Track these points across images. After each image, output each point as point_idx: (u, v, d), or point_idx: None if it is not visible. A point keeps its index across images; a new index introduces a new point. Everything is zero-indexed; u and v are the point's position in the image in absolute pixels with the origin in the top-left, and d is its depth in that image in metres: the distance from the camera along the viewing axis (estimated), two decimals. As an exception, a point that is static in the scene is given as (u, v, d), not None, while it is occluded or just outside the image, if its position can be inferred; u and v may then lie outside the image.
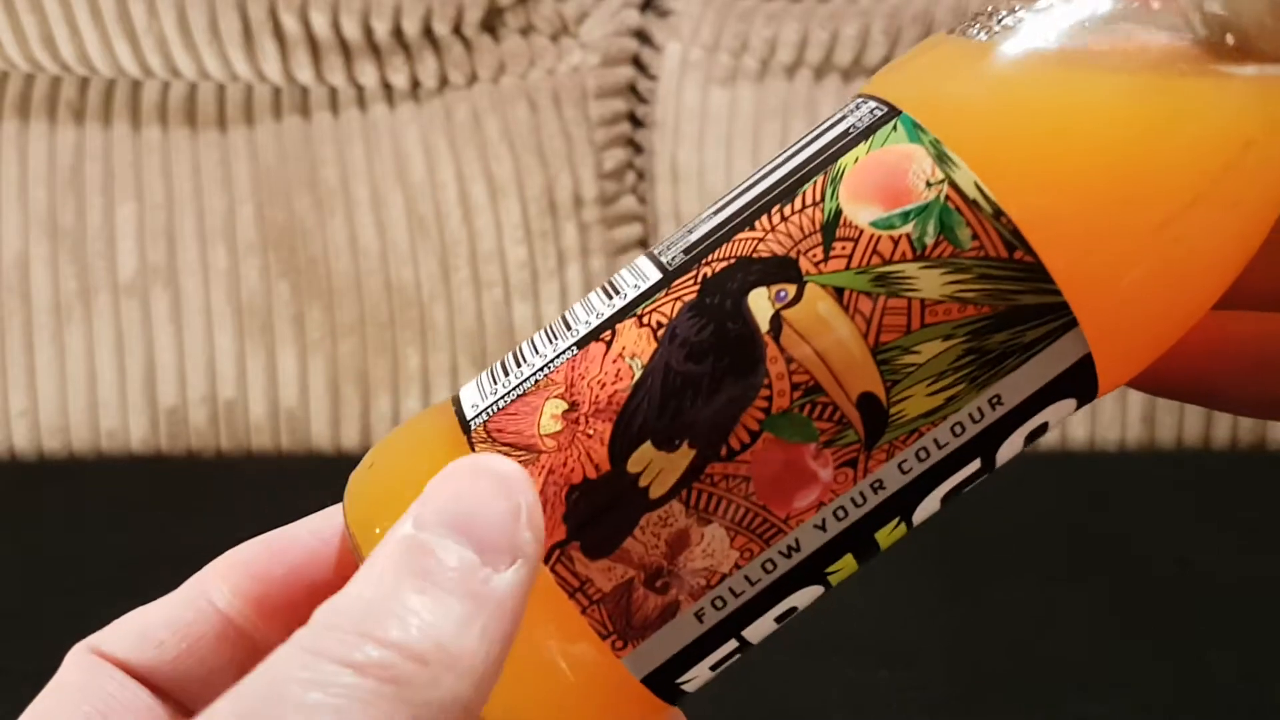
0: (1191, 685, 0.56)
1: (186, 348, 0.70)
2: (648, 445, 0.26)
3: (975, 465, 0.27)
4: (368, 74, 0.68)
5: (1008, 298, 0.26)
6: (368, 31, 0.67)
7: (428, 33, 0.67)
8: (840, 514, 0.27)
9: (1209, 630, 0.58)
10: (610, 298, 0.28)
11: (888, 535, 0.28)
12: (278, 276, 0.69)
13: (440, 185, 0.68)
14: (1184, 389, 0.31)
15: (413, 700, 0.24)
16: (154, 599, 0.30)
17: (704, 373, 0.27)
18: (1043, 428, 0.27)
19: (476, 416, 0.28)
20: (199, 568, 0.30)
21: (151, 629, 0.29)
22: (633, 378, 0.27)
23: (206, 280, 0.70)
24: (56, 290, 0.70)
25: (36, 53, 0.68)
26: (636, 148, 0.69)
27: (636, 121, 0.69)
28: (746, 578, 0.27)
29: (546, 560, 0.27)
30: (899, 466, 0.27)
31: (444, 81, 0.69)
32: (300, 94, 0.70)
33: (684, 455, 0.26)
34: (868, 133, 0.27)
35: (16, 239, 0.70)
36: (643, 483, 0.27)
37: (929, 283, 0.26)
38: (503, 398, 0.28)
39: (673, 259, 0.28)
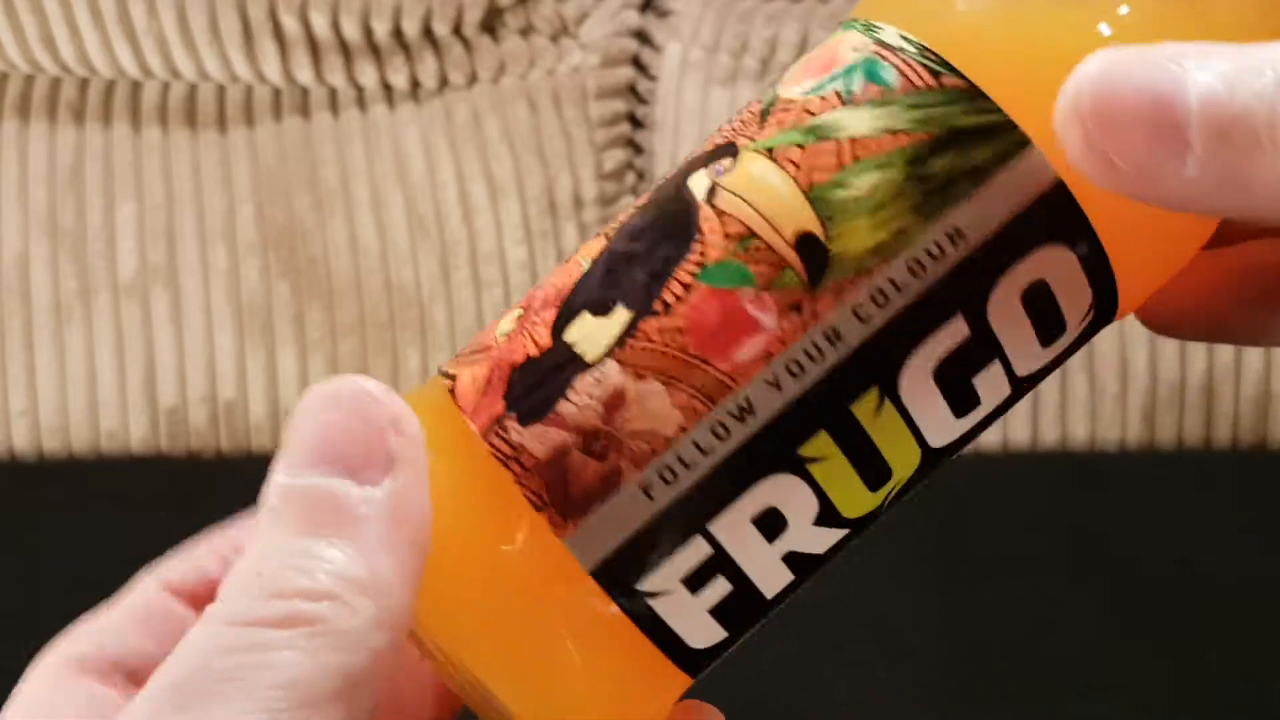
0: (1191, 685, 0.56)
1: (186, 348, 0.70)
2: (584, 315, 0.26)
3: (961, 328, 0.25)
4: (367, 74, 0.68)
5: (942, 122, 0.25)
6: (367, 32, 0.67)
7: (427, 33, 0.67)
8: (795, 369, 0.25)
9: (1209, 630, 0.58)
10: None
11: (870, 414, 0.25)
12: (278, 276, 0.69)
13: (440, 185, 0.68)
14: (1195, 322, 0.30)
15: (334, 634, 0.24)
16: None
17: (641, 246, 0.26)
18: (1042, 291, 0.26)
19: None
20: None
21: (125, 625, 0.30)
22: (581, 272, 0.27)
23: (206, 280, 0.70)
24: (56, 290, 0.70)
25: (36, 53, 0.68)
26: (637, 148, 0.69)
27: (636, 122, 0.69)
28: (696, 444, 0.25)
29: (484, 436, 0.26)
30: (854, 312, 0.25)
31: (444, 82, 0.69)
32: (300, 94, 0.70)
33: (618, 317, 0.26)
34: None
35: (16, 239, 0.70)
36: (578, 350, 0.26)
37: (858, 122, 0.25)
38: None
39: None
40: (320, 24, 0.66)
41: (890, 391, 0.25)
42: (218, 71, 0.68)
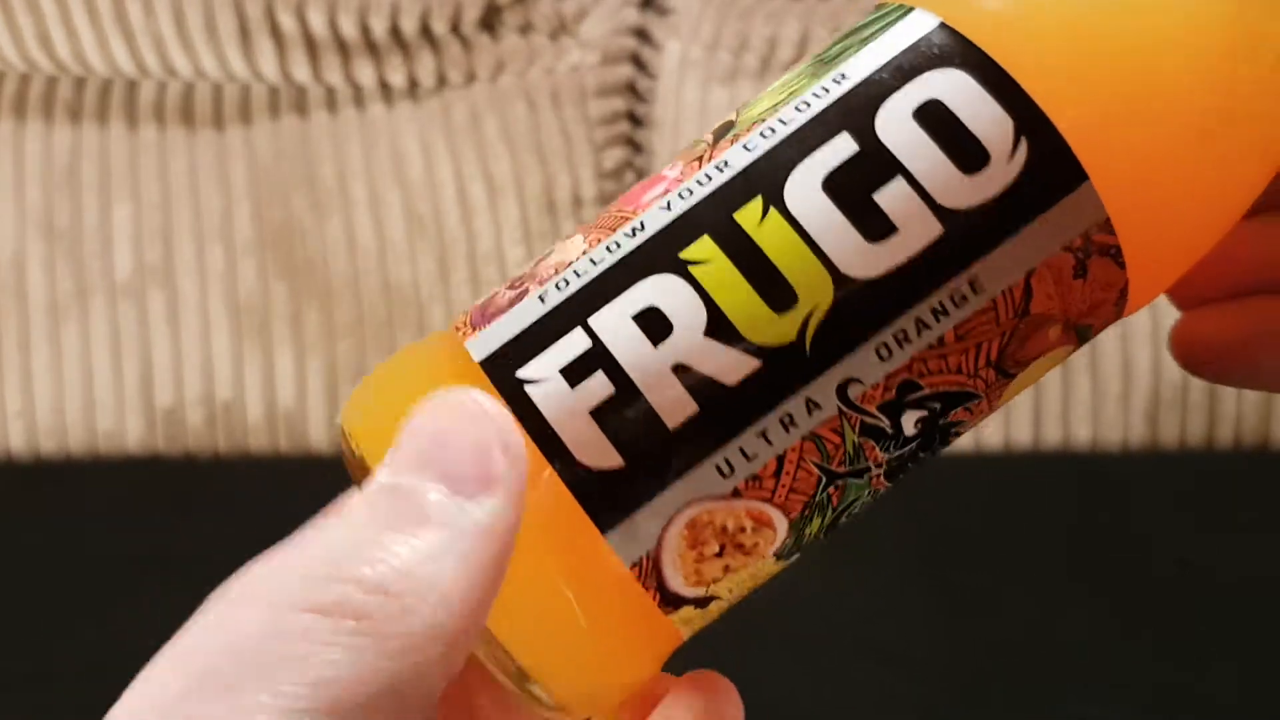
0: (1191, 685, 0.56)
1: (183, 348, 0.70)
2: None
3: (848, 143, 0.26)
4: (365, 73, 0.68)
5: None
6: (365, 30, 0.66)
7: (425, 32, 0.67)
8: (684, 194, 0.26)
9: (1209, 631, 0.58)
10: None
11: (754, 221, 0.26)
12: (275, 276, 0.69)
13: (438, 185, 0.68)
14: (1232, 368, 0.30)
15: (380, 635, 0.23)
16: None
17: None
18: (938, 109, 0.26)
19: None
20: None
21: None
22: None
23: (203, 280, 0.69)
24: (52, 290, 0.70)
25: (33, 52, 0.67)
26: (636, 147, 0.69)
27: (636, 120, 0.69)
28: (590, 259, 0.26)
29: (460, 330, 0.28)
30: (743, 145, 0.26)
31: (442, 81, 0.68)
32: (297, 93, 0.69)
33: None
34: None
35: (12, 239, 0.70)
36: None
37: None
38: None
39: None
40: (318, 22, 0.66)
41: (775, 199, 0.26)
42: (214, 70, 0.68)
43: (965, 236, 0.26)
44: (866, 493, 0.27)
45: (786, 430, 0.26)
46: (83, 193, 0.70)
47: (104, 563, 0.62)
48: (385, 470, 0.25)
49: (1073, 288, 0.27)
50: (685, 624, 0.27)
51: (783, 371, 0.26)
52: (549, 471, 0.26)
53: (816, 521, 0.27)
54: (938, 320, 0.26)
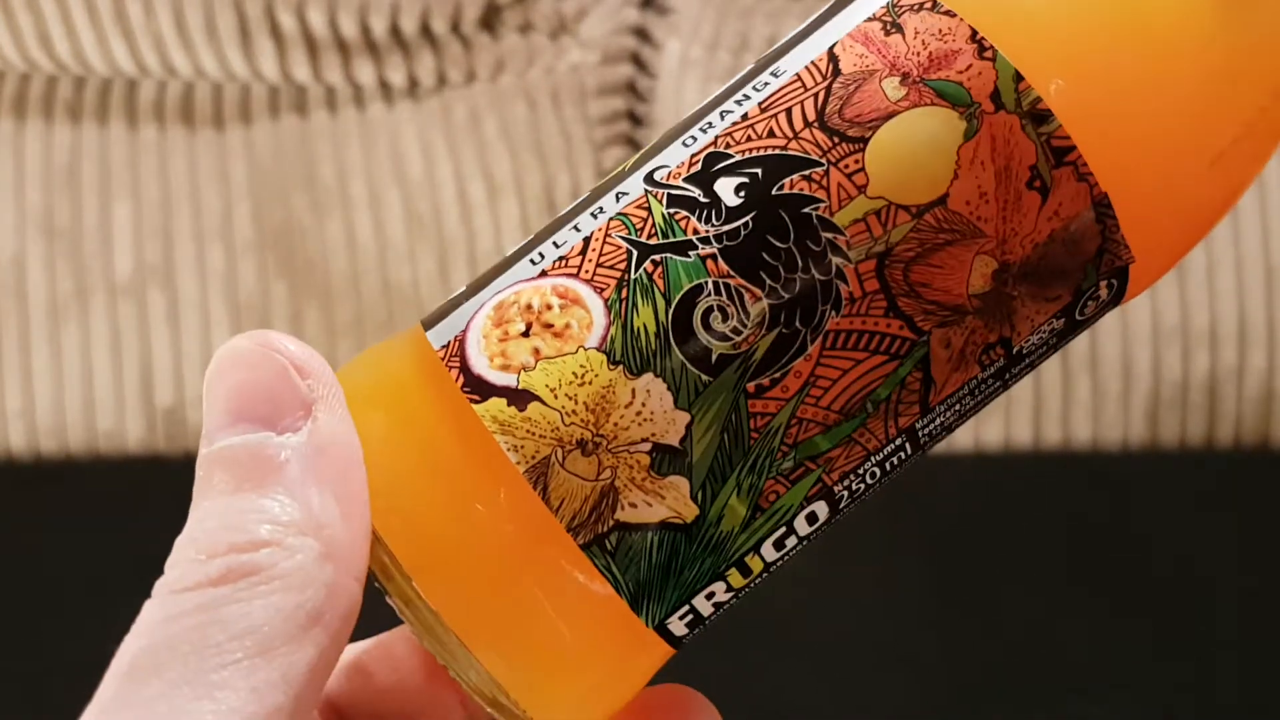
0: (1192, 686, 0.56)
1: (184, 348, 0.70)
2: None
3: None
4: (365, 73, 0.67)
5: None
6: (365, 30, 0.66)
7: (425, 31, 0.67)
8: None
9: (1209, 631, 0.58)
10: None
11: None
12: (275, 276, 0.69)
13: (438, 184, 0.68)
14: None
15: (280, 577, 0.24)
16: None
17: None
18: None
19: None
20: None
21: (362, 657, 0.29)
22: None
23: (203, 280, 0.69)
24: (52, 290, 0.70)
25: (33, 52, 0.67)
26: (636, 147, 0.69)
27: (636, 120, 0.69)
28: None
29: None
30: None
31: (442, 80, 0.68)
32: (297, 93, 0.69)
33: None
34: None
35: (12, 239, 0.70)
36: None
37: None
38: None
39: None
40: (318, 22, 0.66)
41: None
42: (214, 70, 0.68)
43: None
44: (706, 280, 0.26)
45: (595, 218, 0.27)
46: (83, 192, 0.70)
47: (104, 563, 0.62)
48: (205, 441, 0.25)
49: (889, 43, 0.26)
50: (503, 430, 0.26)
51: (602, 182, 0.28)
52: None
53: (645, 309, 0.26)
54: (740, 105, 0.27)
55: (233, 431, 0.25)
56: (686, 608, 0.27)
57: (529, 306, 0.26)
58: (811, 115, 0.26)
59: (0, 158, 0.70)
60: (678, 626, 0.27)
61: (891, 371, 0.26)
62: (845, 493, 0.27)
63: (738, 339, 0.26)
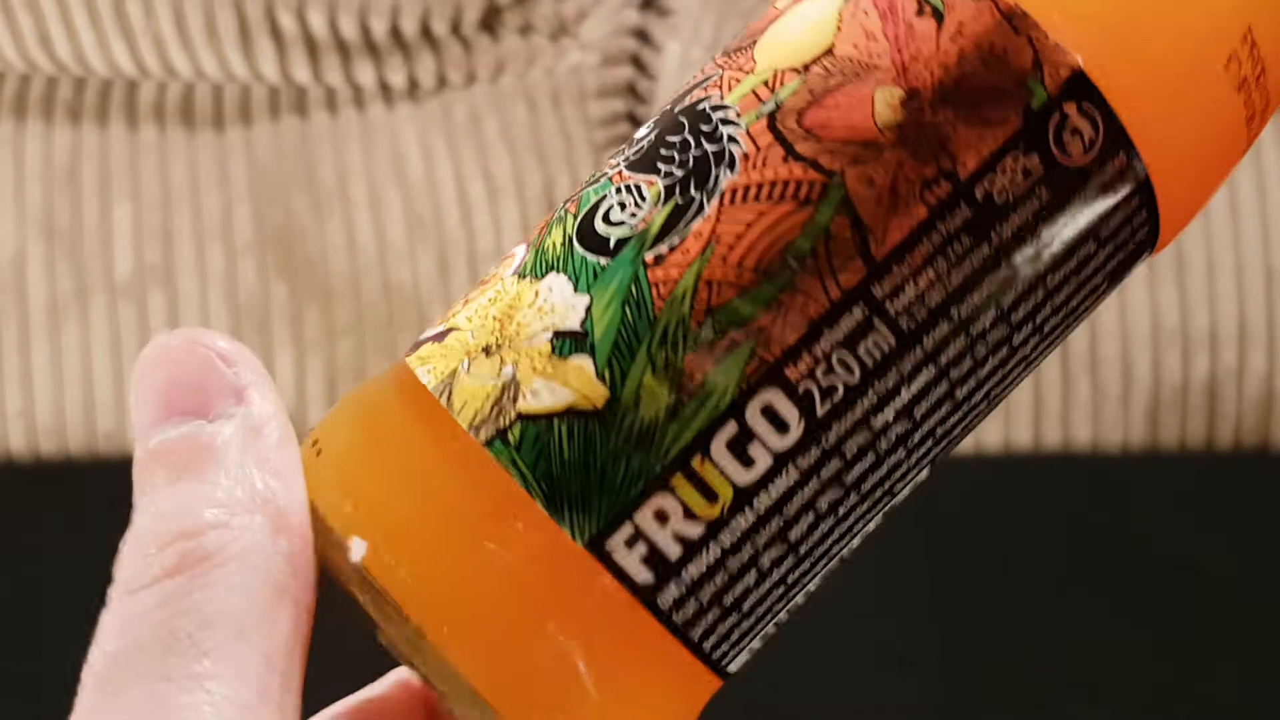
0: (1192, 687, 0.56)
1: (184, 348, 0.70)
2: None
3: None
4: (365, 74, 0.68)
5: None
6: (365, 31, 0.66)
7: (426, 32, 0.67)
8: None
9: (1209, 631, 0.58)
10: None
11: None
12: (275, 277, 0.69)
13: (438, 185, 0.68)
14: None
15: (234, 558, 0.23)
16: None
17: None
18: None
19: None
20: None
21: (341, 710, 0.29)
22: None
23: (203, 281, 0.69)
24: (53, 291, 0.70)
25: (33, 52, 0.67)
26: (636, 147, 0.69)
27: (636, 122, 0.69)
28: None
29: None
30: None
31: (442, 81, 0.68)
32: (297, 94, 0.69)
33: None
34: None
35: (12, 239, 0.70)
36: None
37: None
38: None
39: None
40: (318, 23, 0.66)
41: None
42: (215, 71, 0.68)
43: None
44: (609, 189, 0.25)
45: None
46: (83, 193, 0.70)
47: (104, 563, 0.62)
48: (139, 442, 0.25)
49: None
50: (421, 362, 0.25)
51: None
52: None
53: (556, 231, 0.26)
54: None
55: (165, 427, 0.25)
56: (629, 527, 0.24)
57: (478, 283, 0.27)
58: (722, 57, 0.27)
59: (1, 158, 0.70)
60: (627, 558, 0.24)
61: (807, 219, 0.24)
62: (812, 386, 0.24)
63: (634, 221, 0.25)
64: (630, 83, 0.69)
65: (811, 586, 0.26)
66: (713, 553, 0.24)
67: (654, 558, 0.24)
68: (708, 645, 0.25)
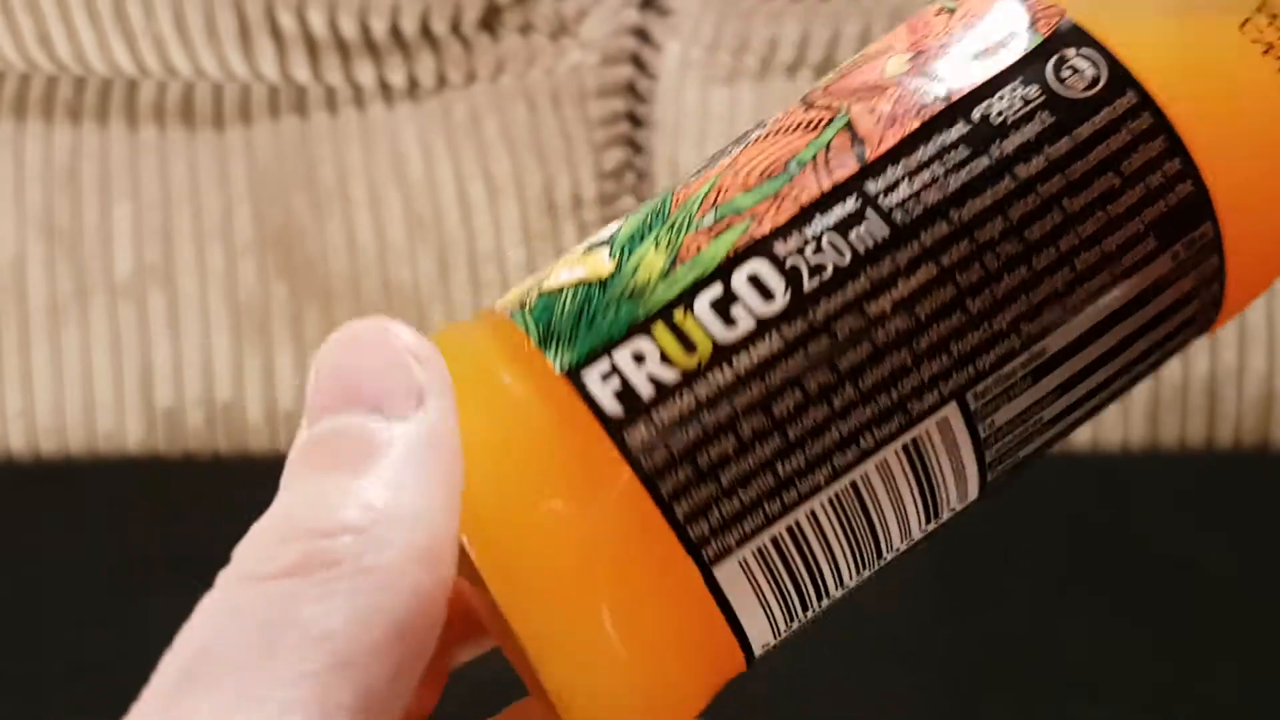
0: (1192, 687, 0.56)
1: (183, 349, 0.70)
2: None
3: None
4: (365, 73, 0.68)
5: None
6: (365, 30, 0.66)
7: (426, 32, 0.67)
8: None
9: (1209, 631, 0.58)
10: (929, 519, 0.28)
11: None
12: (275, 277, 0.69)
13: (438, 185, 0.68)
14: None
15: (365, 574, 0.21)
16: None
17: None
18: None
19: None
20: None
21: None
22: None
23: (203, 281, 0.69)
24: (52, 291, 0.70)
25: (33, 52, 0.67)
26: (636, 147, 0.69)
27: (636, 121, 0.69)
28: None
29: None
30: None
31: (442, 81, 0.68)
32: (297, 93, 0.69)
33: None
34: None
35: (12, 239, 0.70)
36: None
37: None
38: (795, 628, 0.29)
39: (996, 476, 0.28)
40: (318, 22, 0.66)
41: None
42: (214, 70, 0.68)
43: None
44: None
45: None
46: (83, 193, 0.70)
47: (104, 563, 0.62)
48: (306, 423, 0.23)
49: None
50: (505, 305, 0.27)
51: None
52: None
53: None
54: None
55: (338, 416, 0.23)
56: (606, 362, 0.25)
57: None
58: None
59: (0, 158, 0.70)
60: (600, 389, 0.25)
61: (813, 138, 0.26)
62: (800, 263, 0.25)
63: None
64: (630, 82, 0.69)
65: (822, 510, 0.25)
66: (686, 401, 0.25)
67: (626, 393, 0.25)
68: (680, 511, 0.24)
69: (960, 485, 0.26)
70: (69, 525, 0.65)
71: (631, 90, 0.69)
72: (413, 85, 0.68)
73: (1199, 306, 0.27)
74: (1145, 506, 0.64)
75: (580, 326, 0.25)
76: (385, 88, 0.69)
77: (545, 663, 0.24)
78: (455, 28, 0.67)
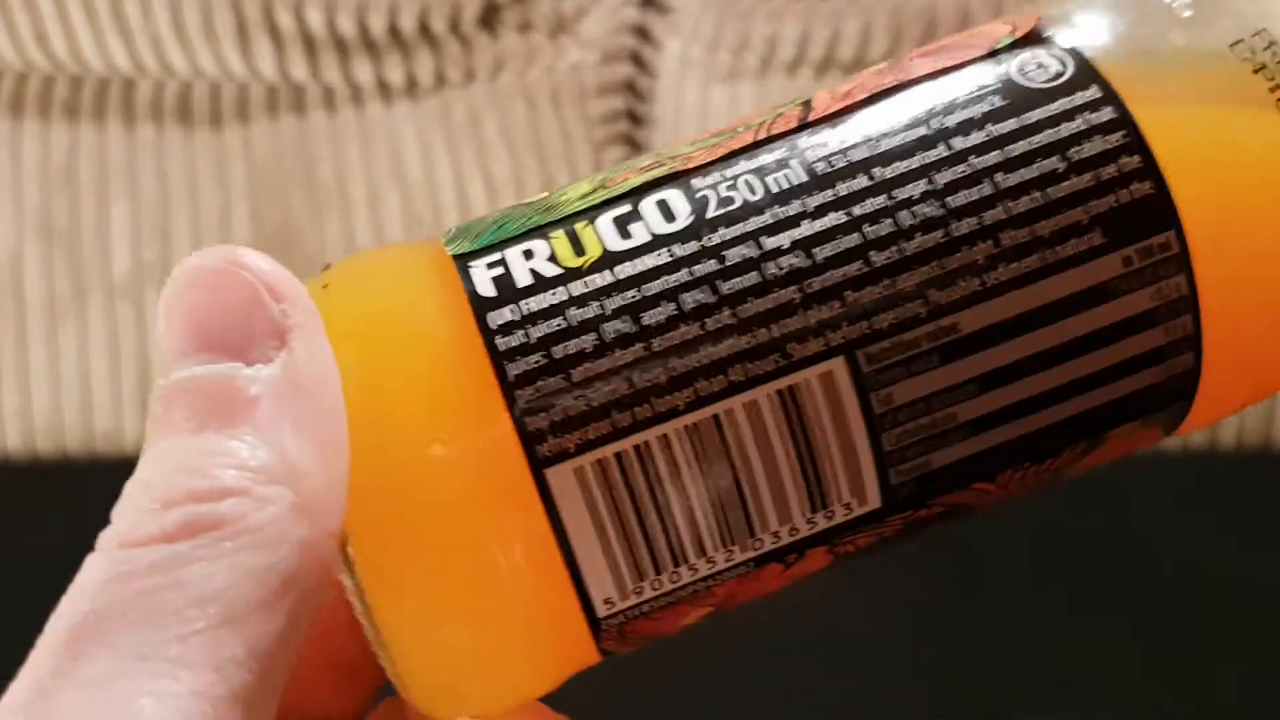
0: (1192, 686, 0.56)
1: (181, 348, 0.69)
2: None
3: None
4: (364, 72, 0.67)
5: None
6: (364, 29, 0.66)
7: (424, 30, 0.67)
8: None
9: (1210, 631, 0.58)
10: (815, 508, 0.25)
11: None
12: (273, 276, 0.69)
13: (437, 184, 0.68)
14: None
15: (247, 533, 0.20)
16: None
17: None
18: None
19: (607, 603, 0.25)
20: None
21: None
22: (787, 586, 0.26)
23: (201, 280, 0.69)
24: (50, 290, 0.70)
25: (30, 51, 0.67)
26: (636, 146, 0.69)
27: (636, 120, 0.69)
28: None
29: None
30: None
31: (441, 80, 0.68)
32: (295, 92, 0.69)
33: None
34: None
35: (10, 238, 0.70)
36: None
37: None
38: (649, 601, 0.25)
39: (900, 480, 0.25)
40: (316, 21, 0.66)
41: None
42: (212, 69, 0.68)
43: None
44: None
45: None
46: (80, 192, 0.70)
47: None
48: (163, 372, 0.22)
49: None
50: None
51: None
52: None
53: None
54: None
55: (194, 360, 0.22)
56: (497, 254, 0.25)
57: None
58: None
59: (-3, 157, 0.70)
60: (482, 275, 0.25)
61: (770, 110, 0.27)
62: (711, 193, 0.25)
63: None
64: (630, 80, 0.68)
65: (676, 437, 0.24)
66: (558, 294, 0.25)
67: (503, 280, 0.25)
68: (522, 399, 0.24)
69: (852, 472, 0.25)
70: (66, 525, 0.65)
71: (631, 89, 0.69)
72: (411, 84, 0.68)
73: (1169, 352, 0.25)
74: (1145, 506, 0.63)
75: (489, 230, 0.26)
76: (384, 87, 0.69)
77: (375, 609, 0.24)
78: (454, 26, 0.67)
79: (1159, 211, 0.25)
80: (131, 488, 0.22)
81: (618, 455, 0.24)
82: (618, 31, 0.68)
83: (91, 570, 0.21)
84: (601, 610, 0.25)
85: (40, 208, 0.70)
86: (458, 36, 0.68)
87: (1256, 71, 0.26)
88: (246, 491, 0.21)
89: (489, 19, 0.68)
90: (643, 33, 0.68)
